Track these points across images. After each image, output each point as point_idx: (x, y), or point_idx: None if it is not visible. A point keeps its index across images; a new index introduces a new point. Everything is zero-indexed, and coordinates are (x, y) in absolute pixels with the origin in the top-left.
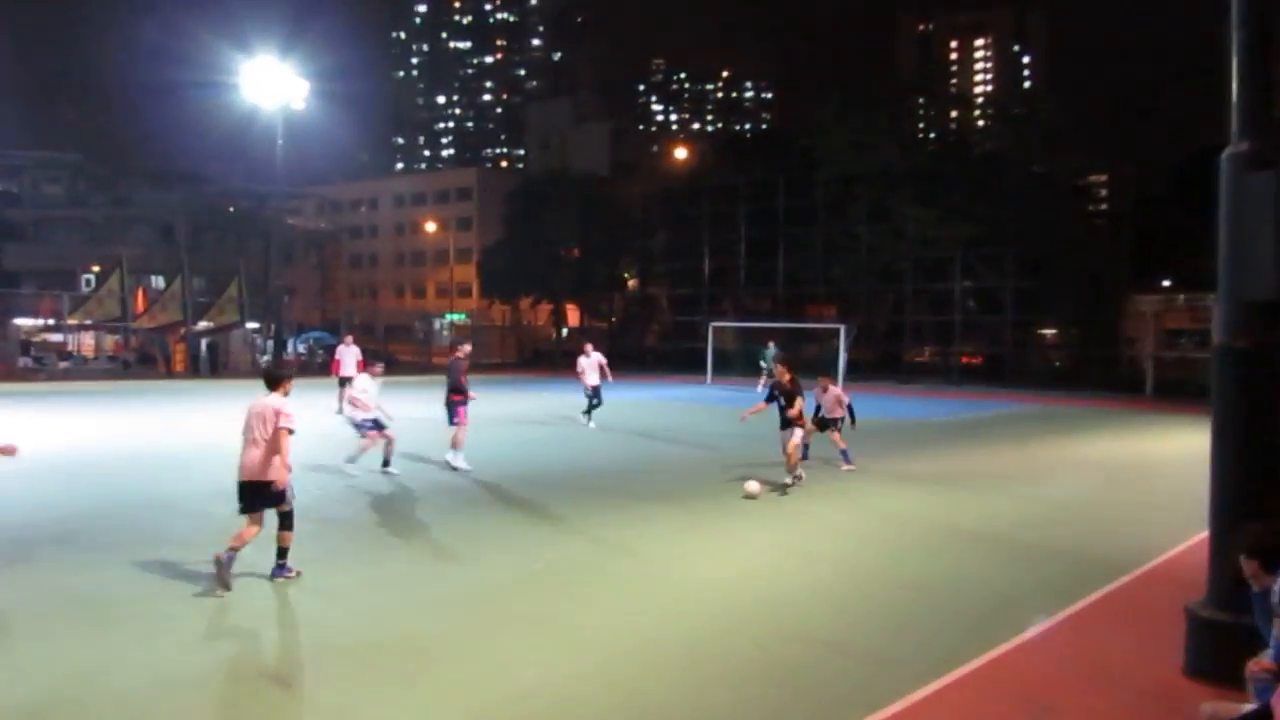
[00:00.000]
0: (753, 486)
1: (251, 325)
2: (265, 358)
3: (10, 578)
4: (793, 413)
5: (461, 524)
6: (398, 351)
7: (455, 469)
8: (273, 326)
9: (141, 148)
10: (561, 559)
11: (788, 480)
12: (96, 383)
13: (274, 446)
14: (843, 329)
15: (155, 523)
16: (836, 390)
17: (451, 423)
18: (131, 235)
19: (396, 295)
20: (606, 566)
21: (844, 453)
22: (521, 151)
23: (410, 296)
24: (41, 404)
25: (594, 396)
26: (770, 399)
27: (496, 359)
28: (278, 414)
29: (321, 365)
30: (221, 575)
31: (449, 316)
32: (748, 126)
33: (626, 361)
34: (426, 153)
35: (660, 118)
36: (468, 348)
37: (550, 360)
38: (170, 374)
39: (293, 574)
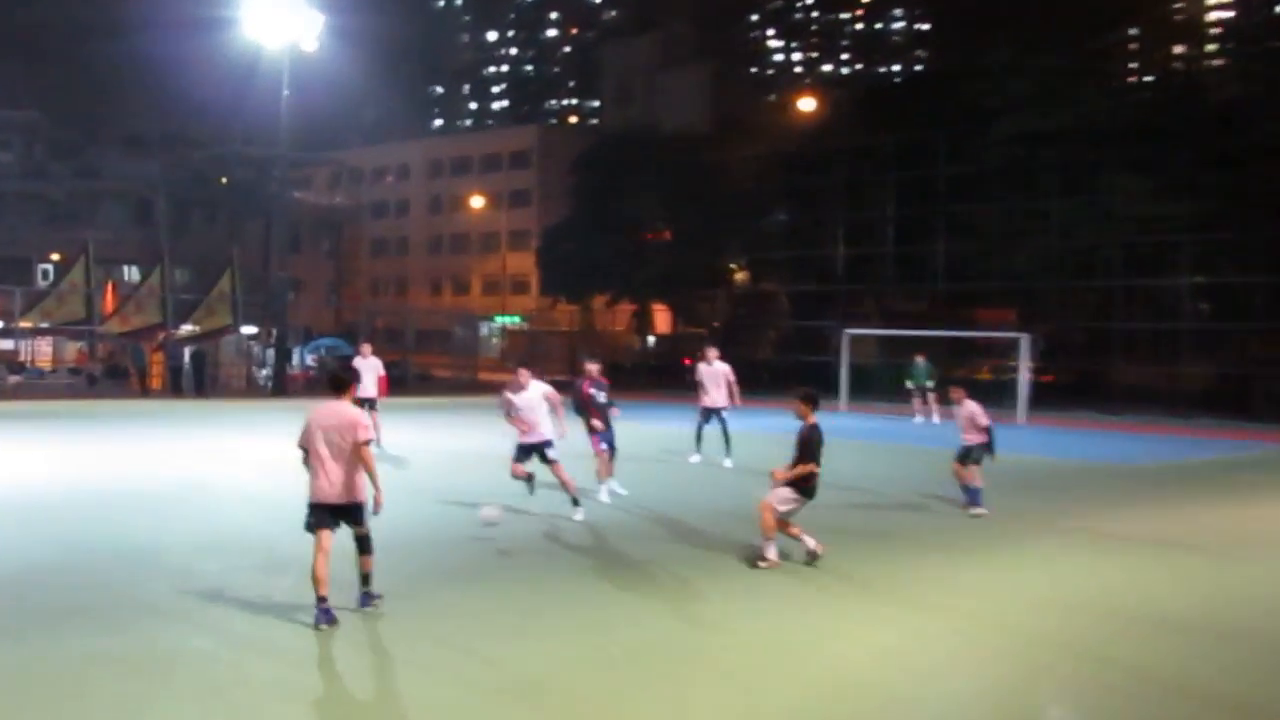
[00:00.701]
0: (490, 512)
1: (247, 330)
2: (264, 371)
3: None
4: (782, 473)
5: (524, 589)
6: (432, 365)
7: (613, 495)
8: (274, 332)
9: (112, 104)
10: (649, 638)
11: (768, 556)
12: (55, 402)
13: (356, 463)
14: (1024, 340)
15: (129, 581)
16: (973, 406)
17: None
18: (100, 215)
19: (431, 292)
20: (705, 649)
21: (975, 491)
22: (595, 103)
23: (449, 293)
24: None
25: (711, 420)
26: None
27: (561, 375)
28: (357, 426)
29: None
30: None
31: (499, 319)
32: (896, 69)
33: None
34: (473, 106)
35: (779, 58)
36: (594, 366)
37: (632, 378)
38: (146, 391)
39: (379, 601)
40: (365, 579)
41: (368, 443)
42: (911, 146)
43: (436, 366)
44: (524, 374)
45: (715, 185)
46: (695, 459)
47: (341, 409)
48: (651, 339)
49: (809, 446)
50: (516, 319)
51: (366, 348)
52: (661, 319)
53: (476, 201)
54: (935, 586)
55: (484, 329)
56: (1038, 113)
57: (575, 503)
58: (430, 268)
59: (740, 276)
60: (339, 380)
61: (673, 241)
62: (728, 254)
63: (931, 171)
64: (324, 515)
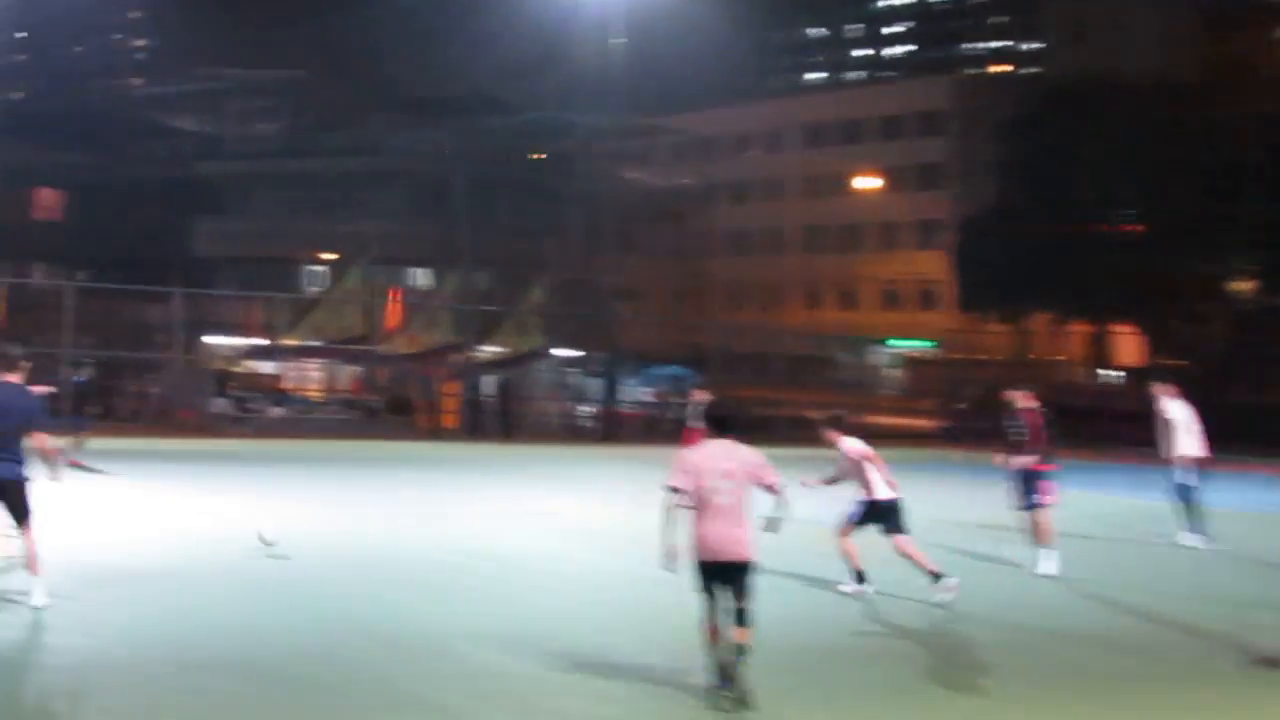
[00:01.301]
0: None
1: (564, 353)
2: (586, 409)
3: None
4: None
5: (888, 701)
6: (800, 401)
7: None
8: (601, 358)
9: (398, 61)
10: None
11: None
12: (324, 442)
13: (747, 516)
14: None
15: (411, 675)
16: None
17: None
18: (382, 201)
19: (807, 304)
20: None
21: None
22: (1033, 46)
23: (833, 307)
24: (242, 474)
25: (1190, 491)
26: None
27: (985, 420)
28: (764, 470)
29: (675, 427)
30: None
31: (896, 344)
32: None
33: (1230, 433)
34: (861, 52)
35: None
36: (1019, 394)
37: (1083, 424)
38: (436, 431)
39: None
40: (740, 649)
41: (776, 488)
42: None
43: (813, 405)
44: (833, 434)
45: (1207, 156)
46: (1190, 540)
47: (736, 450)
48: (1118, 372)
49: None
50: (926, 344)
51: (700, 394)
52: (1126, 346)
53: (869, 181)
54: None
55: (877, 357)
56: None
57: (935, 577)
58: (807, 271)
59: (1245, 286)
60: (723, 418)
61: (1145, 236)
62: (1226, 254)
63: None
64: (714, 578)
